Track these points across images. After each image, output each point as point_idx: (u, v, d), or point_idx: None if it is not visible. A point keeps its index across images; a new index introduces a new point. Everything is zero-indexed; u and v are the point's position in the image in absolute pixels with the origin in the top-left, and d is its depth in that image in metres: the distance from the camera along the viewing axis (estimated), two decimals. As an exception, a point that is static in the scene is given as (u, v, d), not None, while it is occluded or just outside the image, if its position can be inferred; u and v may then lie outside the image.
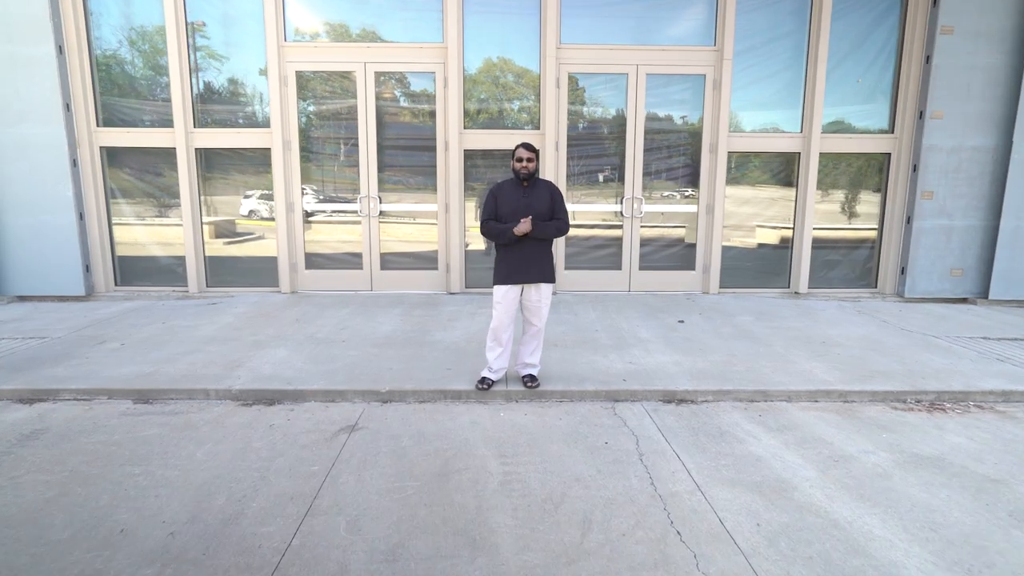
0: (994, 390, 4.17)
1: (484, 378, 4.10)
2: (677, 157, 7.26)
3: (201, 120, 6.95)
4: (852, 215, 7.46)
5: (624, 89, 7.01)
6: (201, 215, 7.06)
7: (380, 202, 7.10)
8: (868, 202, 7.45)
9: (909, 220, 7.11)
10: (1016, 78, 6.70)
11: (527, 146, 3.98)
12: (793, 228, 7.35)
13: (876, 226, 7.45)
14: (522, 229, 3.85)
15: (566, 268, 7.29)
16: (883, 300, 7.20)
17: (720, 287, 7.35)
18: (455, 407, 3.94)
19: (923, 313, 6.53)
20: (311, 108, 7.02)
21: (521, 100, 7.13)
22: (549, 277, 4.03)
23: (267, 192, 7.14)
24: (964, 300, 7.18)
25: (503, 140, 7.05)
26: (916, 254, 7.08)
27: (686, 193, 7.33)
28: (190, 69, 6.81)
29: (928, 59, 6.80)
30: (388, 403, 4.00)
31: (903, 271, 7.23)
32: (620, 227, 7.26)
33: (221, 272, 7.22)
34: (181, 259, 7.07)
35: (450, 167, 6.96)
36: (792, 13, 7.02)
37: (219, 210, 7.18)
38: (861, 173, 7.40)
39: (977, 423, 3.78)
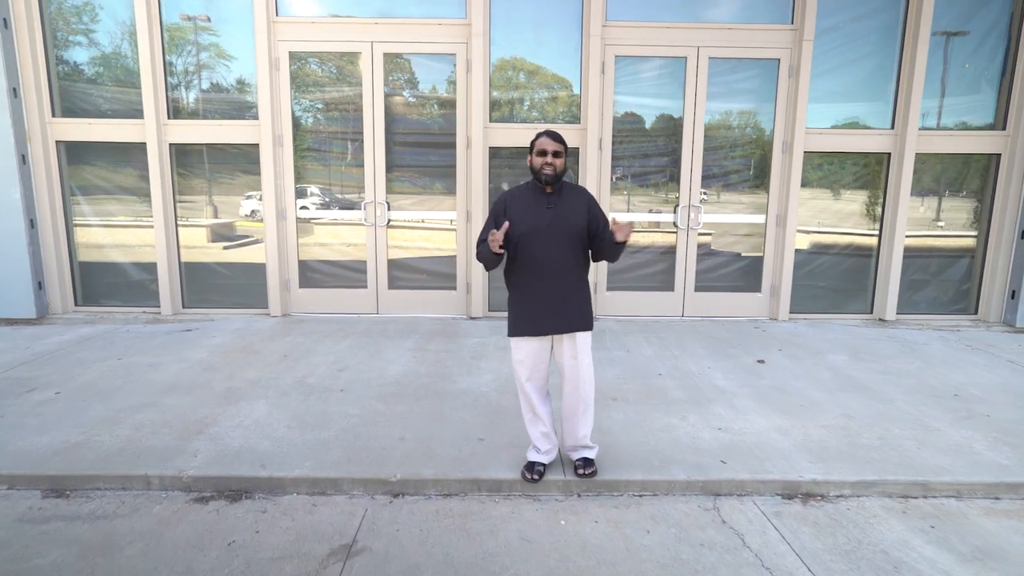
0: None
1: (533, 464, 2.95)
2: (742, 158, 6.09)
3: (177, 110, 5.85)
4: (946, 227, 6.27)
5: (682, 76, 5.85)
6: (176, 222, 5.95)
7: (388, 209, 5.97)
8: (965, 212, 6.25)
9: (1023, 235, 5.92)
10: None
11: (553, 136, 2.80)
12: (880, 244, 6.16)
13: (977, 241, 6.25)
14: (494, 244, 2.66)
15: (608, 289, 6.14)
16: (988, 330, 6.00)
17: (791, 312, 6.17)
18: (495, 507, 2.79)
19: (1049, 349, 5.34)
20: (307, 97, 5.90)
21: (557, 89, 5.97)
22: (586, 323, 2.85)
23: (255, 193, 6.03)
24: (1086, 331, 5.98)
25: (525, 136, 5.88)
26: (1032, 276, 5.89)
27: (751, 200, 6.15)
28: (163, 50, 5.70)
29: (1053, 40, 5.61)
30: (400, 498, 2.86)
31: (1013, 295, 6.03)
32: (672, 239, 6.09)
33: (202, 289, 6.11)
34: (154, 274, 5.96)
35: (473, 168, 5.82)
36: (883, -14, 5.84)
37: (206, 213, 6.06)
38: (958, 176, 6.21)
39: None
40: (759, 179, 6.10)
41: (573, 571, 2.33)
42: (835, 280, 6.33)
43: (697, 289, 6.15)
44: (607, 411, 3.69)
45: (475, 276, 5.97)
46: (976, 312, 6.31)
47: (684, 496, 2.91)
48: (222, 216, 6.08)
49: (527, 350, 2.86)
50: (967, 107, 6.06)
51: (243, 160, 5.92)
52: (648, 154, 6.06)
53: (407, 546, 2.48)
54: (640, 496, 2.90)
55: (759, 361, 4.79)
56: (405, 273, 6.14)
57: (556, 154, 2.79)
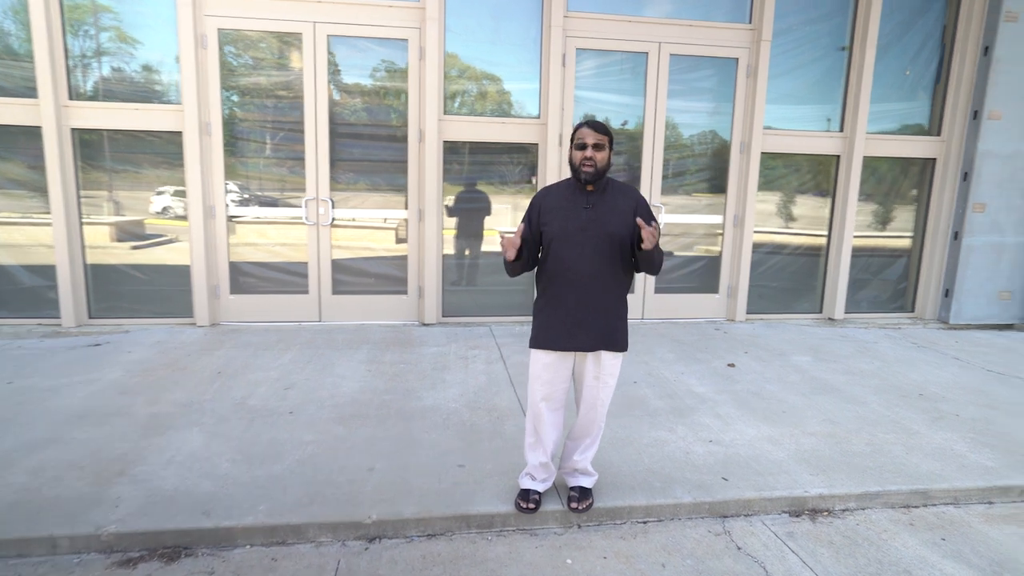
0: None
1: (528, 492, 2.63)
2: (699, 157, 6.02)
3: (83, 91, 5.07)
4: (883, 229, 6.48)
5: (643, 72, 5.69)
6: (80, 219, 5.16)
7: (333, 206, 5.45)
8: (902, 214, 6.49)
9: (957, 236, 6.19)
10: (1077, 76, 5.89)
11: (595, 125, 2.43)
12: (829, 245, 6.28)
13: (913, 242, 6.50)
14: (508, 248, 2.38)
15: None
16: (926, 327, 6.24)
17: (747, 313, 6.17)
18: (489, 547, 2.45)
19: (985, 345, 5.59)
20: (240, 81, 5.28)
21: (516, 81, 5.66)
22: (615, 343, 2.50)
23: (167, 188, 5.33)
24: (1010, 326, 6.34)
25: (495, 131, 5.57)
26: (964, 274, 6.17)
27: (709, 201, 6.10)
28: (62, 16, 4.92)
29: (987, 50, 5.89)
30: (377, 542, 2.46)
31: (947, 293, 6.31)
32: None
33: (112, 296, 5.34)
34: (53, 279, 5.14)
35: (426, 163, 5.41)
36: (832, -10, 5.93)
37: (107, 210, 5.29)
38: (896, 180, 6.42)
39: None
40: (716, 180, 6.04)
41: (593, 623, 2.03)
42: (786, 280, 6.39)
43: (656, 291, 6.03)
44: (610, 423, 3.42)
45: (428, 279, 5.56)
46: (913, 310, 6.56)
47: (691, 520, 2.68)
48: (128, 213, 5.33)
49: (545, 364, 2.53)
50: (905, 113, 6.28)
51: (158, 150, 5.21)
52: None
53: (395, 606, 2.09)
54: (644, 523, 2.65)
55: (729, 365, 4.69)
56: (351, 277, 5.63)
57: (597, 146, 2.41)
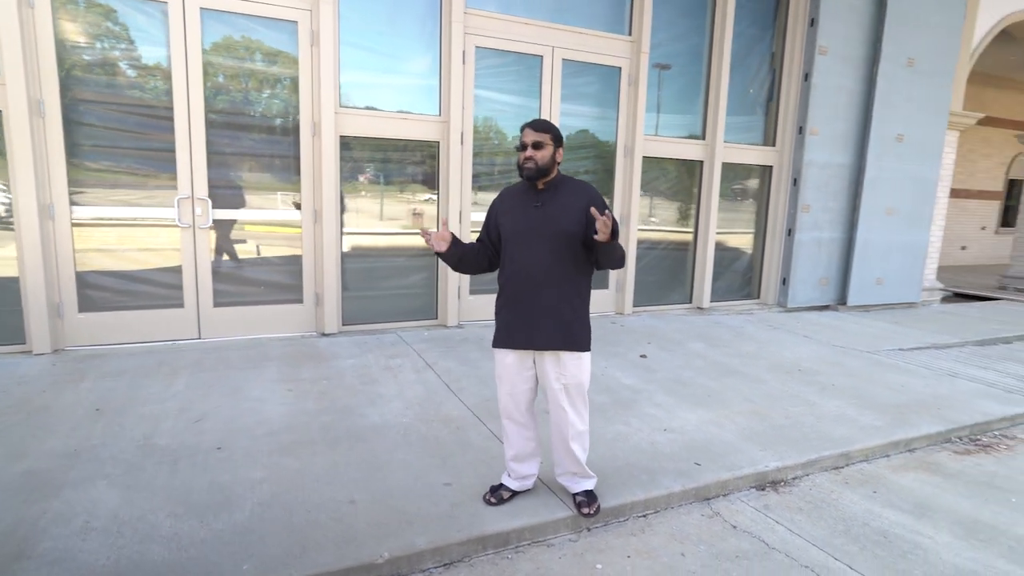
0: (1004, 416, 4.05)
1: (498, 486, 2.67)
2: (588, 160, 6.32)
3: None
4: (734, 227, 7.40)
5: (537, 75, 5.81)
6: None
7: (213, 206, 4.73)
8: (748, 213, 7.47)
9: (790, 233, 7.29)
10: (867, 102, 7.26)
11: (536, 125, 2.42)
12: (696, 242, 6.99)
13: (755, 238, 7.51)
14: (436, 242, 2.47)
15: (471, 293, 5.82)
16: (770, 311, 7.27)
17: (634, 306, 6.63)
18: (512, 566, 2.33)
19: (817, 324, 6.67)
20: (85, 54, 4.33)
21: (416, 76, 5.41)
22: (575, 342, 2.46)
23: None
24: (827, 307, 7.64)
25: (396, 127, 5.28)
26: (796, 265, 7.28)
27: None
28: None
29: (807, 76, 7.00)
30: (393, 583, 2.20)
31: (784, 282, 7.40)
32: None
33: None
34: None
35: (323, 159, 4.94)
36: (692, 14, 6.59)
37: None
38: (742, 183, 7.37)
39: (1021, 457, 3.51)
40: (606, 181, 6.39)
41: (652, 624, 2.04)
42: (662, 274, 6.99)
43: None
44: (546, 427, 3.42)
45: (327, 285, 5.10)
46: (759, 297, 7.59)
47: (683, 507, 2.81)
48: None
49: (505, 364, 2.54)
50: (749, 126, 7.22)
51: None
52: (500, 152, 5.88)
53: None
54: (645, 516, 2.72)
55: (641, 356, 5.00)
56: (235, 286, 4.95)
57: (537, 145, 2.38)
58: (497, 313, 2.56)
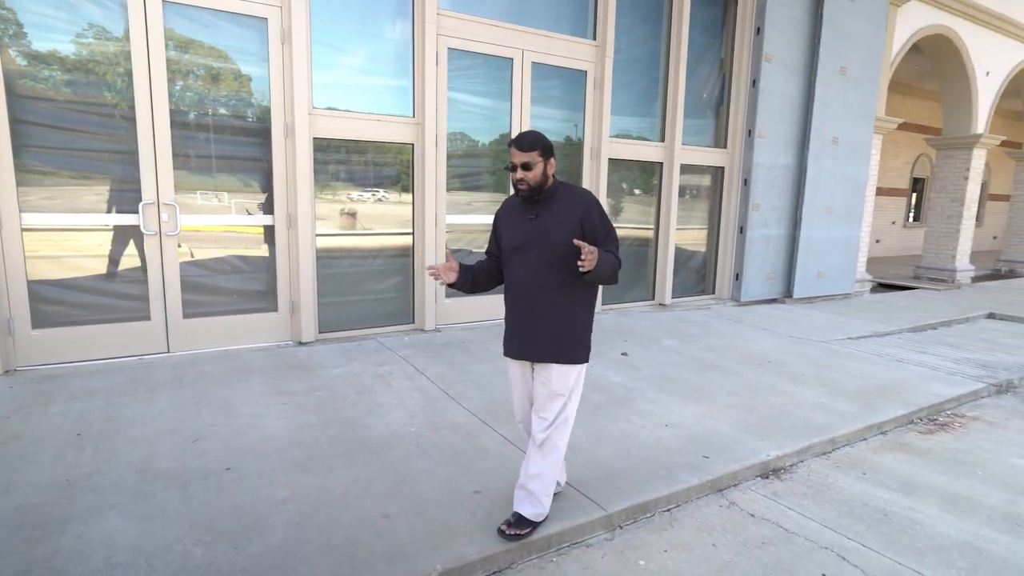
0: (952, 397, 4.47)
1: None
2: (558, 162, 6.39)
3: None
4: (690, 225, 7.72)
5: (508, 78, 5.83)
6: None
7: (179, 212, 4.46)
8: (702, 212, 7.81)
9: (742, 230, 7.68)
10: (807, 107, 7.76)
11: (520, 143, 2.34)
12: (657, 240, 7.24)
13: (710, 235, 7.87)
14: (443, 275, 2.48)
15: (447, 297, 5.78)
16: (725, 306, 7.64)
17: (603, 304, 6.79)
18: (559, 569, 2.37)
19: (771, 316, 7.08)
20: (34, 46, 3.97)
21: (390, 77, 5.31)
22: (563, 355, 2.41)
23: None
24: (775, 300, 8.11)
25: (371, 129, 5.16)
26: (748, 261, 7.69)
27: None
28: None
29: (754, 83, 7.39)
30: (449, 595, 2.19)
31: (737, 277, 7.80)
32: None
33: None
34: None
35: (297, 162, 4.77)
36: (650, 20, 6.82)
37: None
38: (698, 184, 7.70)
39: (997, 433, 3.90)
40: (575, 182, 6.48)
41: (707, 614, 2.14)
42: (625, 273, 7.16)
43: (527, 289, 6.26)
44: (563, 428, 3.48)
45: (304, 292, 4.93)
46: (714, 292, 7.95)
47: (701, 499, 2.94)
48: None
49: (512, 372, 2.61)
50: (703, 129, 7.55)
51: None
52: (472, 155, 5.87)
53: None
54: (669, 511, 2.83)
55: (623, 354, 5.15)
56: (205, 296, 4.69)
57: (526, 166, 2.34)
58: (504, 322, 2.58)
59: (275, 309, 4.94)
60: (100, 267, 4.33)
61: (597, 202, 2.48)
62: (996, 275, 12.81)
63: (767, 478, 3.20)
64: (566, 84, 6.25)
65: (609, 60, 6.30)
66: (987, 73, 10.56)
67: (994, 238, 20.24)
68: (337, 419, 3.51)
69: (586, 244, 2.20)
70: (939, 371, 5.09)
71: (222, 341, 4.72)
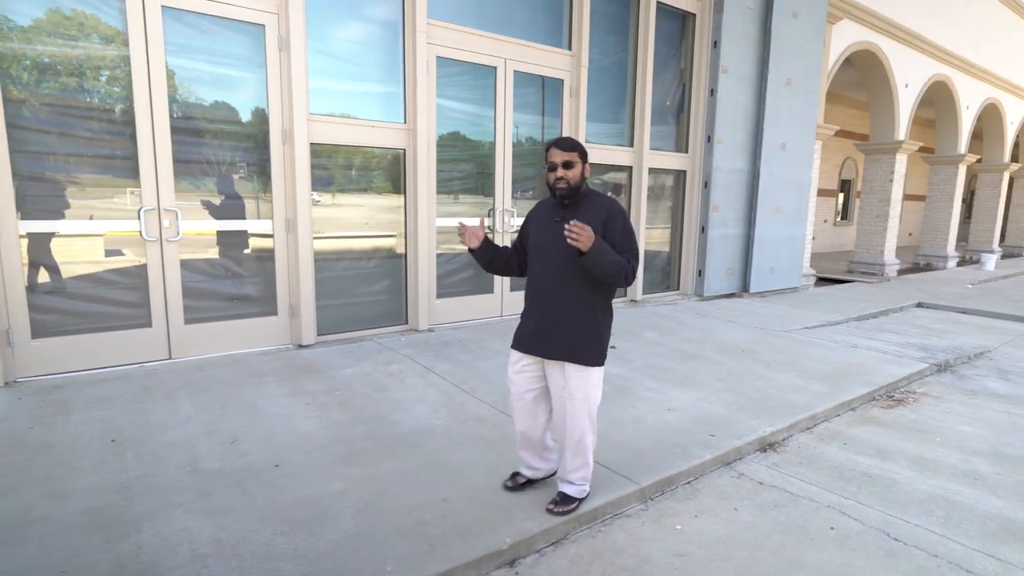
0: (904, 376, 5.04)
1: (514, 473, 2.90)
2: (538, 166, 6.69)
3: None
4: (655, 225, 8.19)
5: (491, 86, 6.06)
6: None
7: (180, 218, 4.45)
8: (664, 212, 8.29)
9: (703, 230, 8.20)
10: (759, 115, 8.37)
11: (562, 144, 2.51)
12: (628, 239, 7.62)
13: (673, 235, 8.36)
14: (469, 237, 2.67)
15: (438, 297, 5.95)
16: (689, 300, 8.14)
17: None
18: (609, 537, 2.63)
19: (732, 309, 7.61)
20: (30, 51, 3.89)
21: (379, 83, 5.43)
22: (578, 355, 2.53)
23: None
24: (733, 295, 8.69)
25: (366, 135, 5.27)
26: (709, 259, 8.22)
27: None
28: None
29: (712, 92, 7.92)
30: (518, 563, 2.41)
31: (700, 274, 8.32)
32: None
33: None
34: None
35: (297, 167, 4.83)
36: (619, 32, 7.21)
37: None
38: (662, 185, 8.17)
39: (944, 405, 4.45)
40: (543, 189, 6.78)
41: (751, 563, 2.45)
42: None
43: (512, 289, 6.52)
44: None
45: (303, 296, 4.99)
46: (679, 288, 8.45)
47: (714, 472, 3.28)
48: None
49: (513, 361, 2.70)
50: (665, 134, 8.02)
51: None
52: (458, 160, 6.07)
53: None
54: (690, 483, 3.14)
55: (611, 347, 5.47)
56: (204, 301, 4.68)
57: (567, 165, 2.49)
58: (521, 317, 2.73)
59: (275, 313, 4.98)
60: (100, 275, 4.27)
61: (623, 210, 2.62)
62: (916, 268, 14.06)
63: (765, 452, 3.58)
64: (545, 92, 6.54)
65: (584, 69, 6.63)
66: (906, 85, 11.63)
67: (909, 235, 22.06)
68: (364, 416, 3.65)
69: (579, 223, 2.31)
70: (888, 355, 5.69)
71: (223, 346, 4.72)
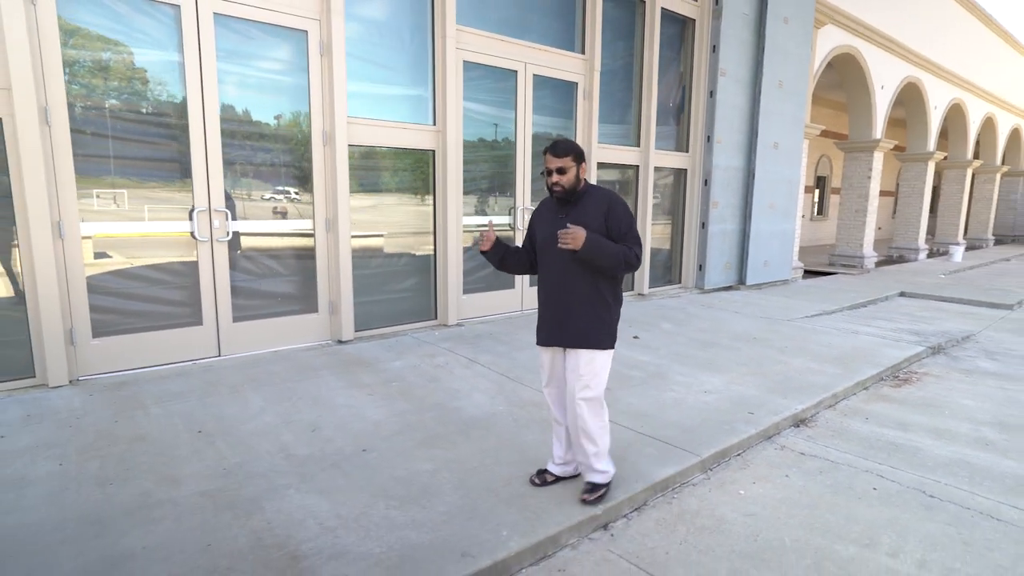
0: (905, 358, 5.45)
1: (540, 470, 2.95)
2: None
3: None
4: (658, 220, 8.53)
5: (513, 89, 6.30)
6: None
7: (231, 218, 4.58)
8: (663, 210, 8.64)
9: (704, 225, 8.58)
10: (754, 116, 8.78)
11: (555, 150, 2.60)
12: (634, 235, 7.94)
13: (674, 230, 8.71)
14: (484, 241, 2.80)
15: (464, 292, 6.17)
16: (692, 293, 8.51)
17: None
18: (683, 503, 2.91)
19: (733, 301, 8.00)
20: (90, 59, 3.99)
21: (409, 87, 5.62)
22: (589, 341, 2.66)
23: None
24: (731, 287, 9.10)
25: (399, 136, 5.46)
26: (709, 253, 8.60)
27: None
28: None
29: (712, 94, 8.29)
30: (610, 526, 2.67)
31: (700, 268, 8.69)
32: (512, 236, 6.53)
33: None
34: None
35: (338, 168, 5.00)
36: (625, 37, 7.52)
37: None
38: (668, 185, 8.52)
39: (945, 383, 4.85)
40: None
41: (813, 519, 2.75)
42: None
43: (531, 284, 6.77)
44: (624, 396, 4.03)
45: (343, 294, 5.16)
46: (680, 282, 8.81)
47: (759, 445, 3.59)
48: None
49: (543, 358, 2.84)
50: (668, 134, 8.36)
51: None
52: (479, 161, 6.29)
53: (672, 558, 2.44)
54: (741, 455, 3.45)
55: (634, 337, 5.77)
56: (250, 299, 4.82)
57: (561, 171, 2.59)
58: (538, 312, 2.85)
59: (315, 310, 5.14)
60: (155, 275, 4.38)
61: (622, 201, 2.72)
62: (891, 260, 14.76)
63: (798, 427, 3.91)
64: (561, 94, 6.80)
65: (596, 73, 6.91)
66: (882, 86, 12.23)
67: (879, 228, 22.98)
68: (427, 404, 3.86)
69: (573, 227, 2.48)
70: (887, 339, 6.11)
71: (268, 343, 4.87)
